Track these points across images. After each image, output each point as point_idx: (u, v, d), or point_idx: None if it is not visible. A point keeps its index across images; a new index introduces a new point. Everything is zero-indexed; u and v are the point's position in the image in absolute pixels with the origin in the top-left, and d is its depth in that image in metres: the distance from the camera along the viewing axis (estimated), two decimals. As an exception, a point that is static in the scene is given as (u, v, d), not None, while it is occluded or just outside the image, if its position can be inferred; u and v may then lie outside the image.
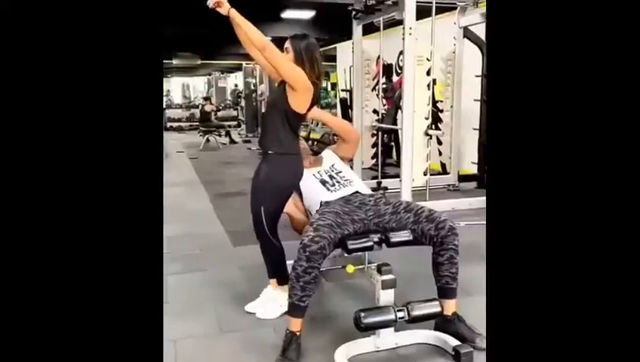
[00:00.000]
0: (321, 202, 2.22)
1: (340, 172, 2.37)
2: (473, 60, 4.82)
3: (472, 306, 2.15)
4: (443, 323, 2.02)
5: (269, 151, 2.19)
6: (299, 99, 2.12)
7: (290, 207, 2.39)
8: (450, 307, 2.03)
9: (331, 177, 2.32)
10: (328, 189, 2.27)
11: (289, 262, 2.22)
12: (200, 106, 11.12)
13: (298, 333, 1.90)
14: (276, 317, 2.24)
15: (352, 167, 2.61)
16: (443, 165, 5.43)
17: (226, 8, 2.04)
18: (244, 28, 2.03)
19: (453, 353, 1.86)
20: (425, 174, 4.00)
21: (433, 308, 1.91)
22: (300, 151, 2.26)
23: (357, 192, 2.25)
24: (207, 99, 11.33)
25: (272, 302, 2.29)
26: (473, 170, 5.16)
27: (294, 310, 1.89)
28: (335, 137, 2.54)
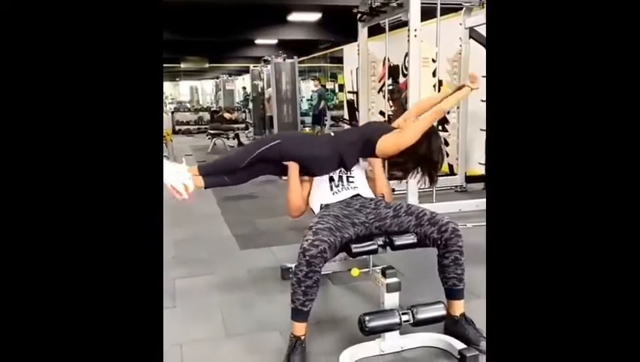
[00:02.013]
0: (321, 205, 2.21)
1: (352, 176, 2.32)
2: (479, 61, 4.79)
3: (478, 308, 2.13)
4: (451, 324, 2.01)
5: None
6: (389, 145, 2.09)
7: (294, 168, 2.29)
8: (459, 308, 2.03)
9: (340, 178, 2.29)
10: (332, 189, 2.25)
11: (290, 265, 2.22)
12: (218, 111, 11.40)
13: (302, 338, 1.90)
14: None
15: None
16: (450, 166, 5.41)
17: (469, 89, 2.19)
18: (435, 118, 2.18)
19: (459, 356, 1.85)
20: (431, 176, 3.98)
21: (438, 311, 1.90)
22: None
23: (358, 195, 2.22)
24: (227, 110, 11.58)
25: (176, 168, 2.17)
26: (481, 170, 5.11)
27: (297, 315, 1.89)
28: None
